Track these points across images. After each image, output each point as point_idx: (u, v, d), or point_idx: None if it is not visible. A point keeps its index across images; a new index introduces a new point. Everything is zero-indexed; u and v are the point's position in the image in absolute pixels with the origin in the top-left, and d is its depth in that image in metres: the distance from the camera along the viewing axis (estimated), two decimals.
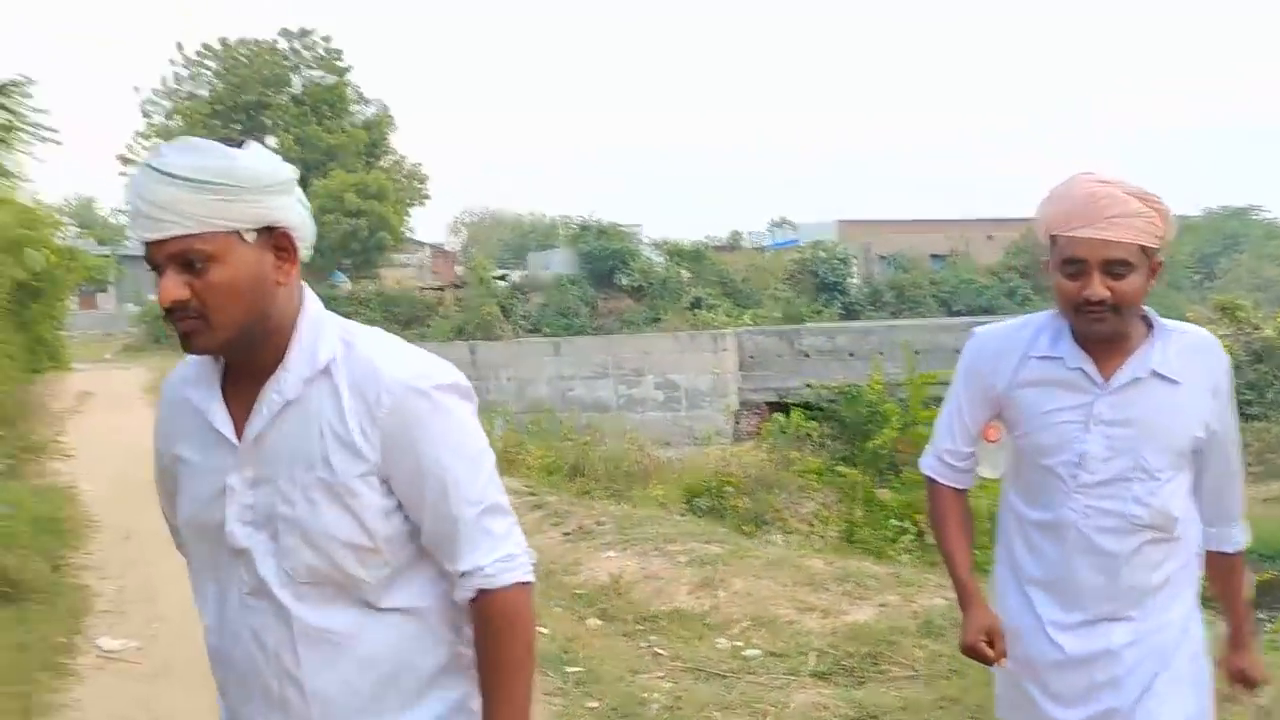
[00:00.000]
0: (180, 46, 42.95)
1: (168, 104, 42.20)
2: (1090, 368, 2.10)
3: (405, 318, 31.10)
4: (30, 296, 16.84)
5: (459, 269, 41.72)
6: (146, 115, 42.24)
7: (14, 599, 6.07)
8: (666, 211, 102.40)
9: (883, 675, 4.69)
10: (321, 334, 1.55)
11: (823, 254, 35.63)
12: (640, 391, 21.17)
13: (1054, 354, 2.13)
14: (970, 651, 2.15)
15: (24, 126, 8.17)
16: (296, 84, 42.50)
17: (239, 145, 1.48)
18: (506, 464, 12.95)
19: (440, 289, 34.85)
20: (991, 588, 2.32)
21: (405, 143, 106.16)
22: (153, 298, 39.80)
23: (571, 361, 22.28)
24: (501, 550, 1.55)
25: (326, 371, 1.52)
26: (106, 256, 33.34)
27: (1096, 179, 2.02)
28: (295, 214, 1.51)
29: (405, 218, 41.14)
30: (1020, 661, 2.19)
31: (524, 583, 1.57)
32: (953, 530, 2.30)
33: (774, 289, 33.95)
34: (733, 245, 40.63)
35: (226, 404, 1.56)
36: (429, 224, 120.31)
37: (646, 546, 7.00)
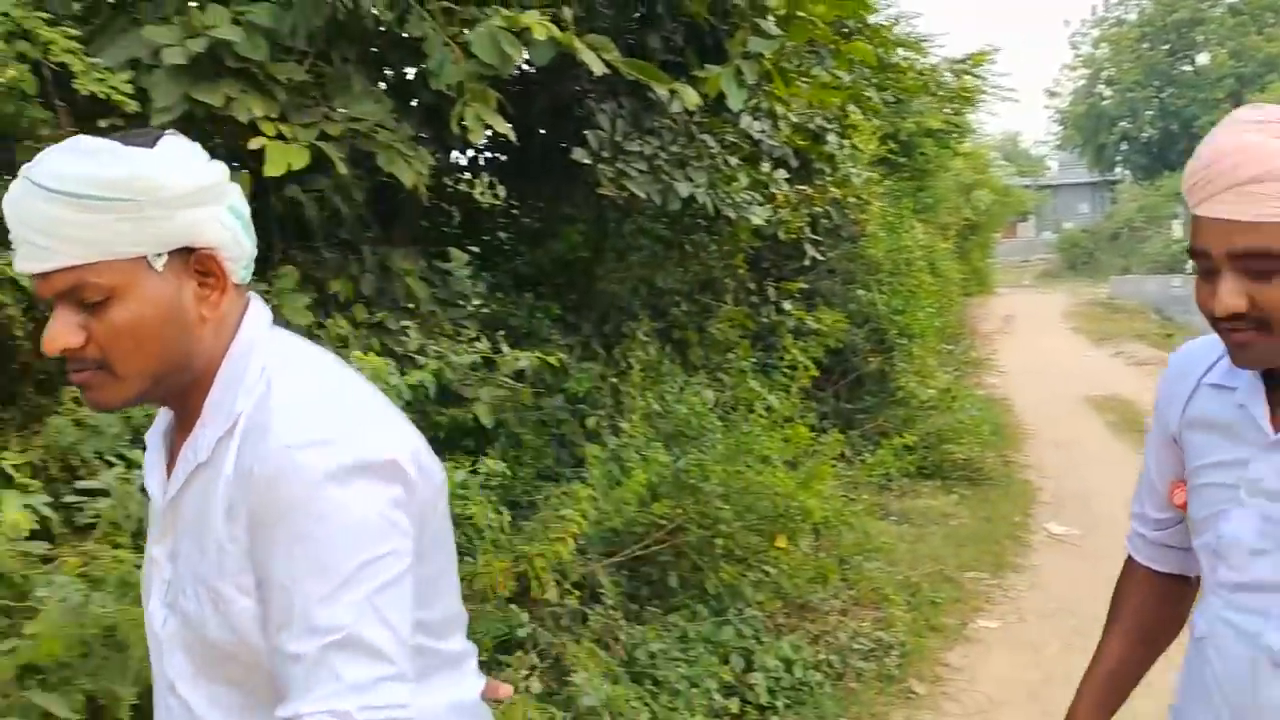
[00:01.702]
0: None
1: (1095, 33, 42.80)
2: (1259, 407, 1.35)
3: None
4: (971, 230, 19.30)
5: None
6: (1074, 47, 43.48)
7: (977, 483, 7.66)
8: None
9: None
10: (246, 374, 1.17)
11: None
12: None
13: (1228, 382, 1.41)
14: None
15: (987, 90, 9.68)
16: None
17: (152, 143, 1.12)
18: None
19: None
20: None
21: None
22: (1069, 225, 41.10)
23: None
24: (341, 703, 1.04)
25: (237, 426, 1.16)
26: (1041, 189, 35.22)
27: (1252, 119, 1.24)
28: (220, 229, 1.15)
29: None
30: None
31: None
32: (1112, 625, 1.62)
33: None
34: None
35: (171, 456, 1.24)
36: None
37: None
